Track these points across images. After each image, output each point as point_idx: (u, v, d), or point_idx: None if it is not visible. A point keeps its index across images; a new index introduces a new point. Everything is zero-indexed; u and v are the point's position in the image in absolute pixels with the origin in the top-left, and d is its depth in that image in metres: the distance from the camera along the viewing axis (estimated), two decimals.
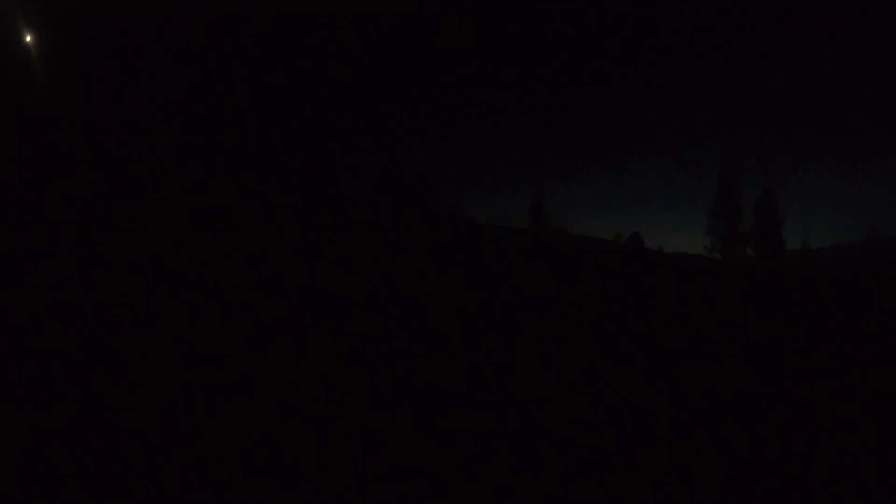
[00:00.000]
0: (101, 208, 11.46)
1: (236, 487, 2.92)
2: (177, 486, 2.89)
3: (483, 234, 24.16)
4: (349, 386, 4.83)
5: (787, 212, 28.61)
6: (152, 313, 6.64)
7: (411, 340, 6.96)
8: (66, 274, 7.56)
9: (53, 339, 5.27)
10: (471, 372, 5.64)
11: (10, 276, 7.04)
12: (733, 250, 27.97)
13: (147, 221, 11.44)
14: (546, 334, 8.19)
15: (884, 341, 9.13)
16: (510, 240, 24.30)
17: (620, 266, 22.80)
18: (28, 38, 16.18)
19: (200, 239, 11.52)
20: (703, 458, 3.69)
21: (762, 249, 27.95)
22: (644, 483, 3.27)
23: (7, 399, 3.86)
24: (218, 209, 14.65)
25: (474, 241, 21.17)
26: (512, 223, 31.70)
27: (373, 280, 11.22)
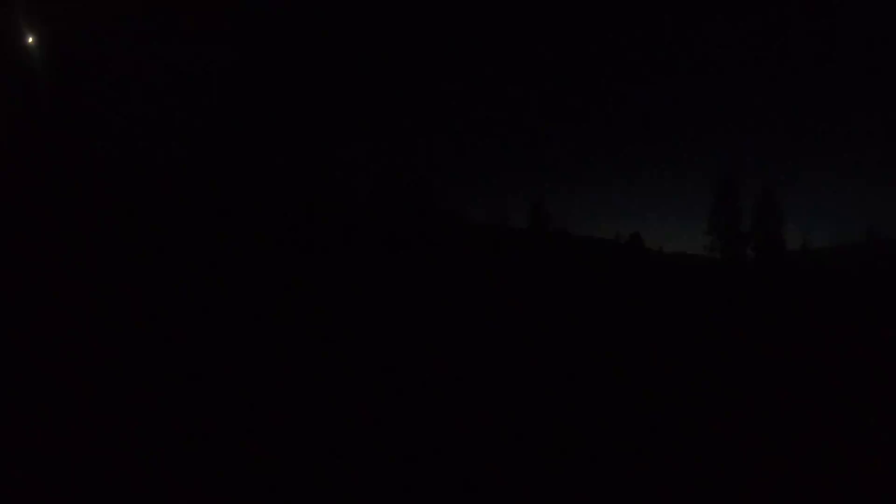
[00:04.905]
0: (101, 208, 11.46)
1: (235, 487, 2.94)
2: (176, 487, 2.90)
3: (483, 235, 24.16)
4: (348, 385, 4.84)
5: (787, 212, 28.66)
6: (152, 312, 6.66)
7: (411, 339, 6.97)
8: (66, 273, 7.58)
9: (53, 337, 5.28)
10: (471, 371, 5.65)
11: (10, 276, 7.05)
12: (733, 250, 27.96)
13: (147, 221, 11.44)
14: (546, 334, 8.20)
15: (884, 341, 9.14)
16: (510, 240, 24.31)
17: (621, 266, 22.80)
18: (30, 39, 16.18)
19: (200, 239, 11.53)
20: (703, 458, 3.71)
21: (762, 249, 27.95)
22: (644, 483, 3.28)
23: (7, 399, 3.87)
24: (218, 209, 14.65)
25: (475, 242, 21.16)
26: (512, 224, 31.71)
27: (372, 279, 11.22)
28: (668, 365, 6.59)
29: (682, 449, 3.84)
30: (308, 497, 2.89)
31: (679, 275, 22.74)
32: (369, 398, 4.54)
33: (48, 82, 16.80)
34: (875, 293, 18.32)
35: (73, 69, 17.58)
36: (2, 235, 8.61)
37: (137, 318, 6.35)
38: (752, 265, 27.82)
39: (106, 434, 3.42)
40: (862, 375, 6.45)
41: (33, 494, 2.74)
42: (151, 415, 3.78)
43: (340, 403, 4.35)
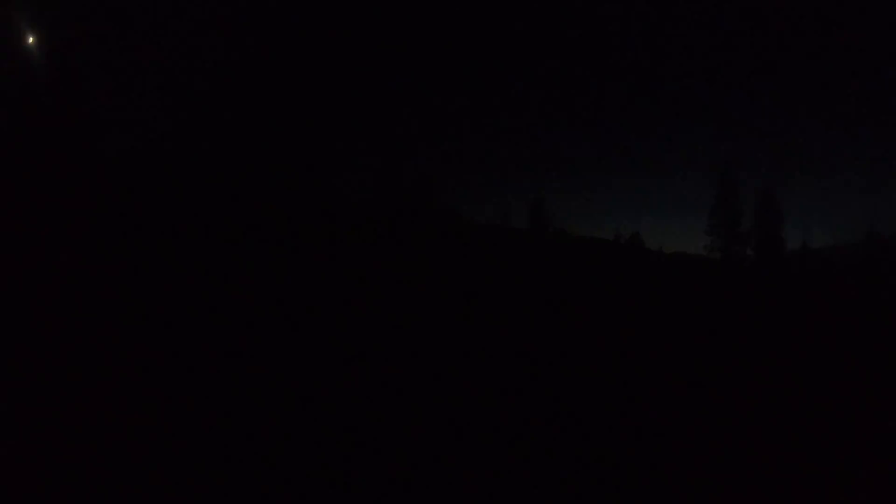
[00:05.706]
0: (101, 208, 11.48)
1: (234, 488, 2.94)
2: (176, 487, 2.91)
3: (483, 235, 24.19)
4: (348, 385, 4.85)
5: (787, 212, 28.75)
6: (152, 313, 6.66)
7: (410, 340, 6.97)
8: (66, 274, 7.59)
9: (52, 338, 5.29)
10: (470, 371, 5.66)
11: (9, 276, 7.06)
12: (733, 250, 28.03)
13: (147, 221, 11.46)
14: (546, 334, 8.21)
15: (884, 341, 9.15)
16: (510, 240, 24.34)
17: (620, 266, 22.80)
18: (30, 40, 16.21)
19: (200, 239, 11.54)
20: (703, 459, 3.71)
21: (762, 249, 28.02)
22: (644, 484, 3.29)
23: (6, 399, 3.87)
24: (218, 209, 14.67)
25: (475, 242, 21.18)
26: (512, 224, 31.83)
27: (372, 279, 11.23)
28: (667, 365, 6.60)
29: (682, 449, 3.85)
30: (307, 497, 2.90)
31: (679, 275, 22.74)
32: (367, 398, 4.55)
33: (48, 82, 16.82)
34: (875, 293, 18.33)
35: (72, 68, 17.60)
36: (2, 235, 8.62)
37: (136, 317, 6.36)
38: (752, 265, 27.88)
39: (105, 433, 3.42)
40: (862, 375, 6.46)
41: (33, 494, 2.74)
42: (153, 414, 3.78)
43: (338, 402, 4.35)
